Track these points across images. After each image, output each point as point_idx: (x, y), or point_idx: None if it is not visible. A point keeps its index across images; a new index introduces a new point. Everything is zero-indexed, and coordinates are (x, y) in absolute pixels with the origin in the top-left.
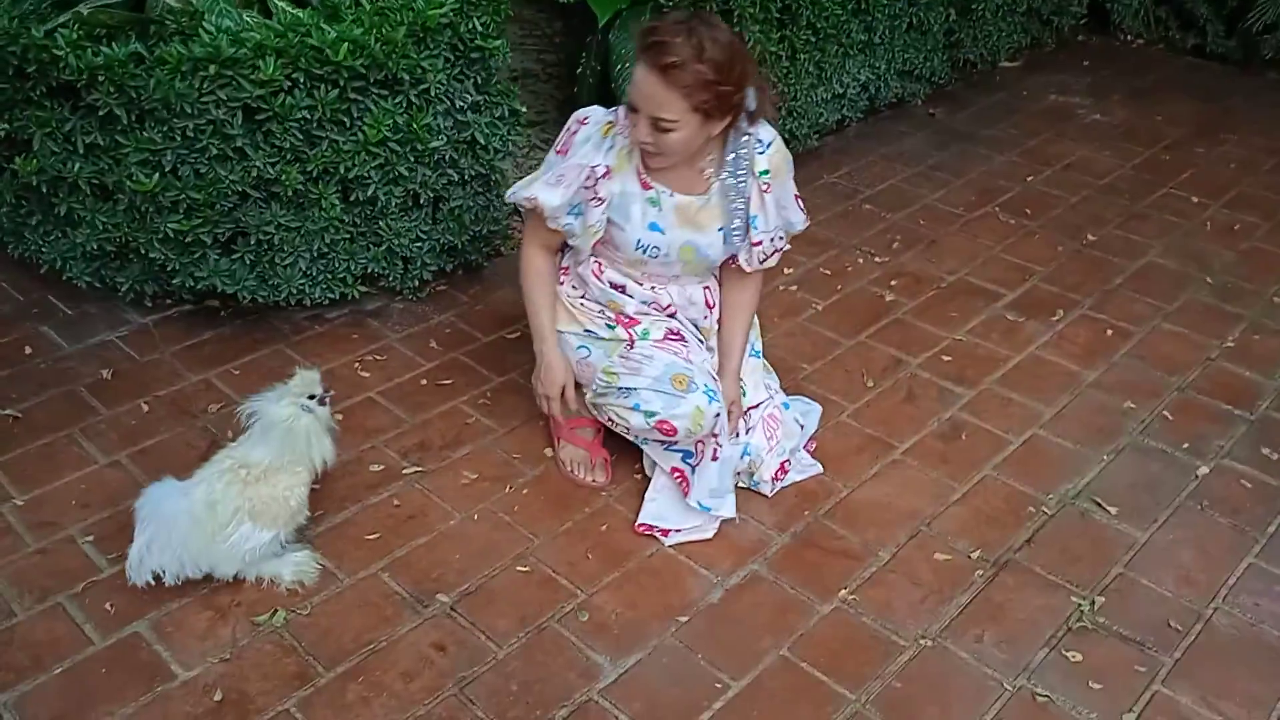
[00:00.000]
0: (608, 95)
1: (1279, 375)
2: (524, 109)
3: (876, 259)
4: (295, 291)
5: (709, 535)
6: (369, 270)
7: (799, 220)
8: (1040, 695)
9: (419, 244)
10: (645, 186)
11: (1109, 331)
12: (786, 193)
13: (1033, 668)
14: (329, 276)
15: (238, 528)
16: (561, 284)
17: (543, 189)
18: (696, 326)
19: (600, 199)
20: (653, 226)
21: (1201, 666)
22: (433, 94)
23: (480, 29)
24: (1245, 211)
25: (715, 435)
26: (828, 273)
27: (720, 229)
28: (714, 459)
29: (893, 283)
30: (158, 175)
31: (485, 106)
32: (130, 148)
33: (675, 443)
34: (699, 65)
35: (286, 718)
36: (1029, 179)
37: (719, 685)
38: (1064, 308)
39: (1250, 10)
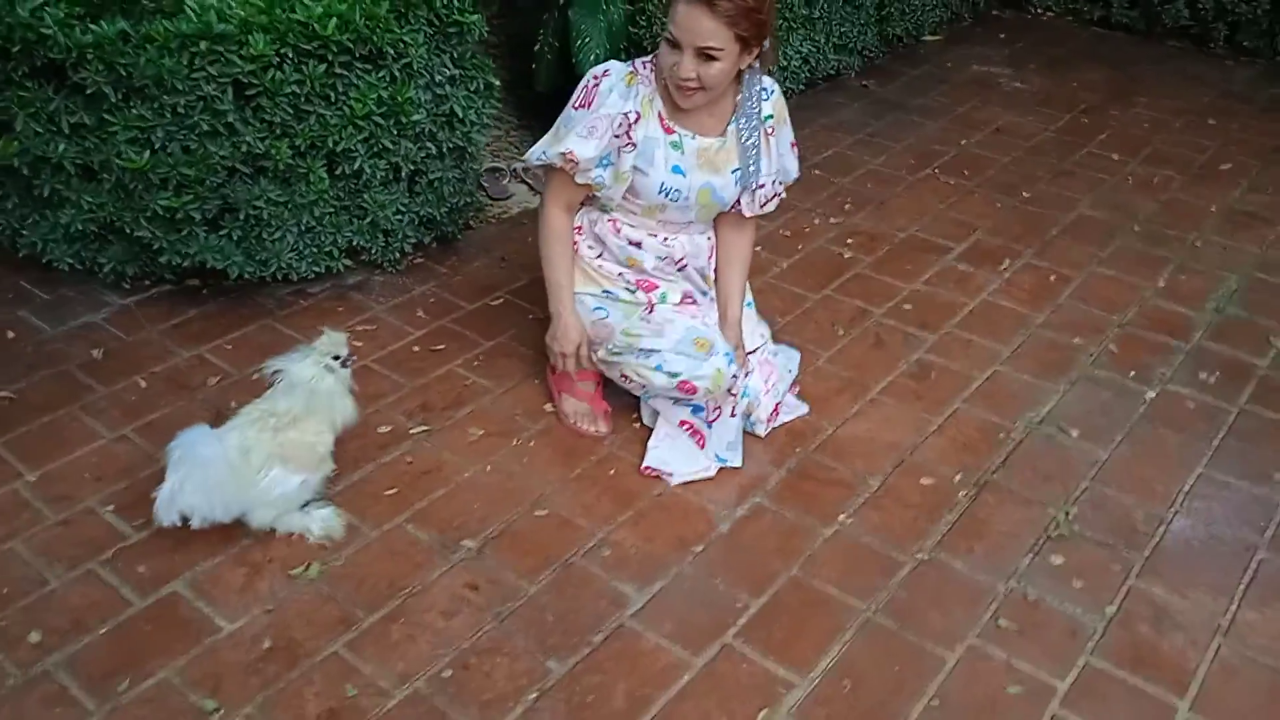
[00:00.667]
0: (567, 70)
1: (1207, 309)
2: (498, 81)
3: (831, 220)
4: (284, 266)
5: (711, 474)
6: (353, 244)
7: (794, 168)
8: (1030, 595)
9: (399, 216)
10: (668, 131)
11: (1052, 277)
12: (785, 140)
13: (1020, 572)
14: (315, 250)
15: (269, 472)
16: (577, 247)
17: (577, 141)
18: (702, 276)
19: (633, 143)
20: (675, 169)
21: (1169, 563)
22: (415, 68)
23: (457, 3)
24: (1161, 166)
25: (732, 394)
26: (788, 234)
27: (735, 170)
28: (732, 415)
29: (849, 241)
30: (148, 153)
31: (461, 80)
32: (119, 126)
33: (690, 399)
34: None
35: (336, 659)
36: (962, 143)
37: (739, 605)
38: (1009, 258)
39: None
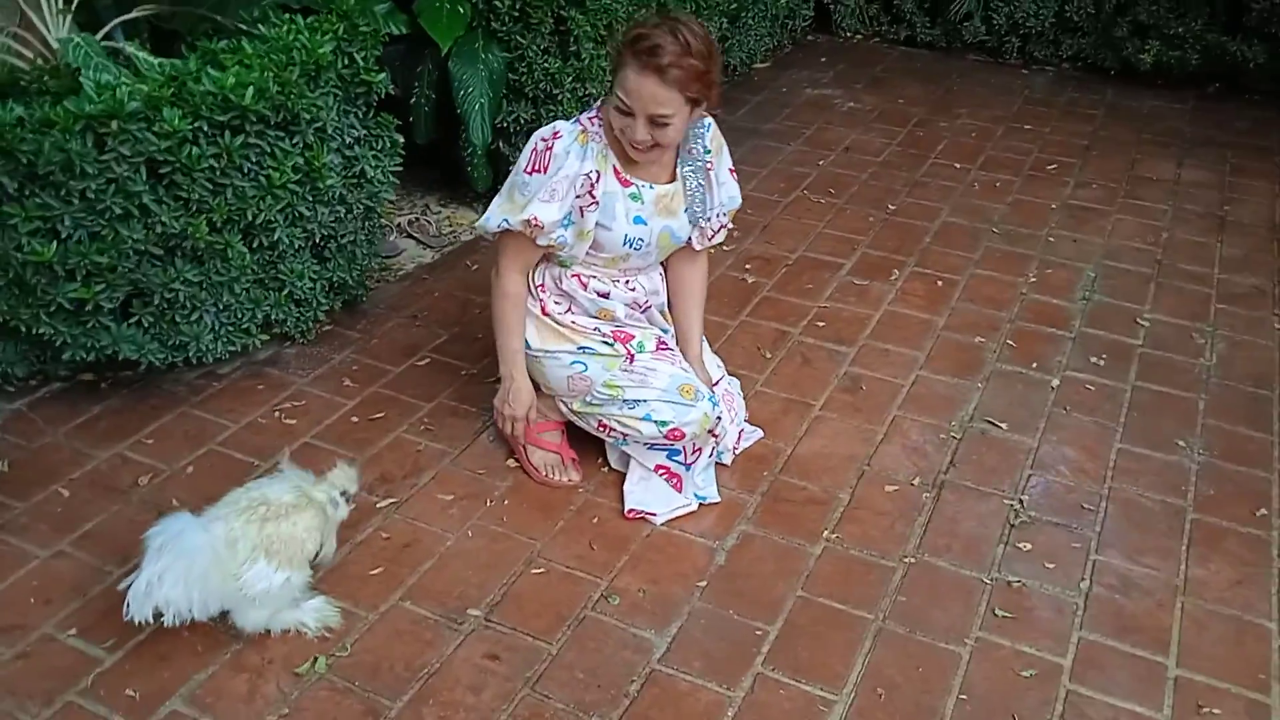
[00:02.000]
0: (443, 122)
1: (1077, 299)
2: (401, 138)
3: (725, 248)
4: (201, 349)
5: (693, 509)
6: (269, 317)
7: (737, 194)
8: (1014, 582)
9: (311, 285)
10: (625, 184)
11: (939, 282)
12: (724, 169)
13: (998, 562)
14: (232, 328)
15: (252, 566)
16: (544, 306)
17: (540, 206)
18: (661, 314)
19: (596, 202)
20: (637, 220)
21: (1118, 534)
22: (328, 131)
23: (362, 63)
24: (998, 171)
25: (714, 434)
26: None
27: (686, 210)
28: (710, 455)
29: (747, 266)
30: (55, 243)
31: (368, 139)
32: (19, 217)
33: (672, 445)
34: (690, 59)
35: None
36: (820, 163)
37: (759, 632)
38: (895, 268)
39: (952, 2)
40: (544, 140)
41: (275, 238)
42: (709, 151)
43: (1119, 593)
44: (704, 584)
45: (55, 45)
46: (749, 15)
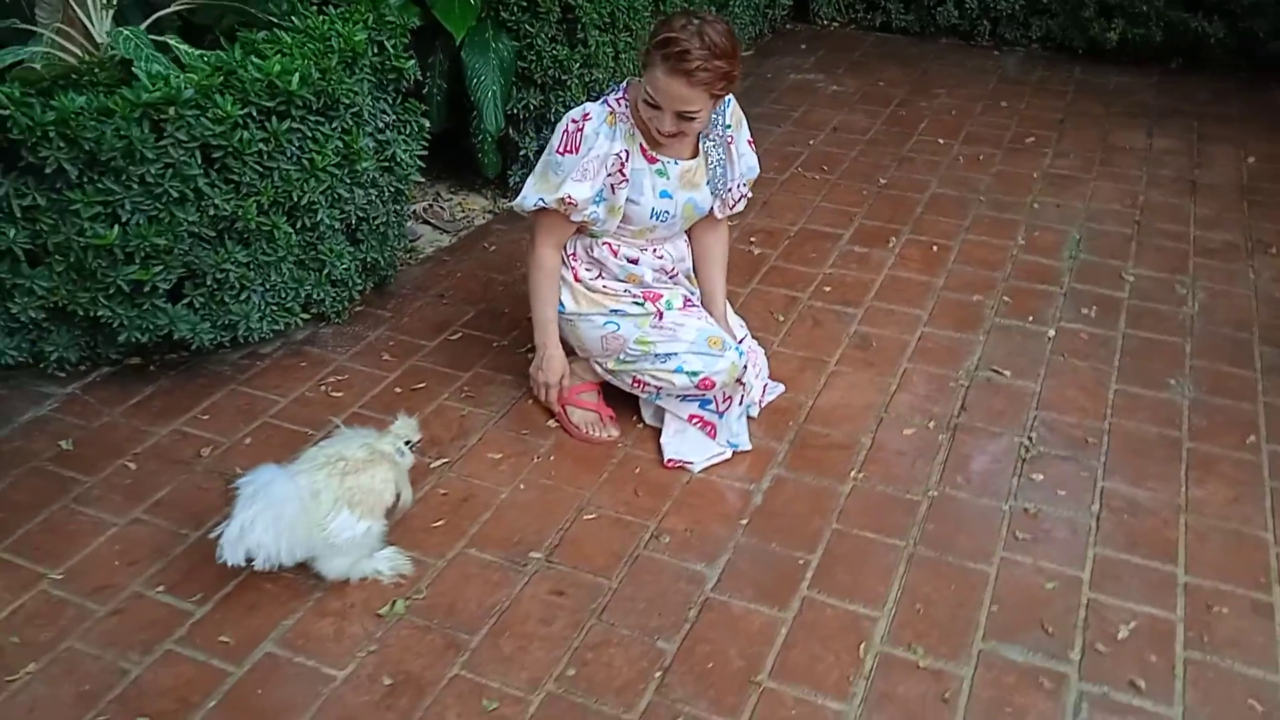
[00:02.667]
0: (455, 109)
1: (1064, 258)
2: (428, 123)
3: (730, 223)
4: (250, 328)
5: (728, 456)
6: (311, 297)
7: (756, 164)
8: (1029, 509)
9: (347, 265)
10: (651, 160)
11: (934, 248)
12: (744, 141)
13: (1014, 492)
14: (276, 308)
15: (337, 516)
16: (576, 273)
17: (573, 185)
18: (688, 278)
19: (626, 179)
20: (663, 194)
21: (1122, 463)
22: (364, 116)
23: (392, 50)
24: (979, 145)
25: (741, 383)
26: None
27: (708, 183)
28: (740, 403)
29: (752, 239)
30: (116, 226)
31: (397, 124)
32: (81, 202)
33: (704, 394)
34: (716, 61)
35: (461, 680)
36: (811, 142)
37: (801, 561)
38: (892, 236)
39: None
40: (574, 122)
41: (318, 219)
42: (729, 126)
43: (1127, 513)
44: (745, 522)
45: (100, 40)
46: (736, 4)
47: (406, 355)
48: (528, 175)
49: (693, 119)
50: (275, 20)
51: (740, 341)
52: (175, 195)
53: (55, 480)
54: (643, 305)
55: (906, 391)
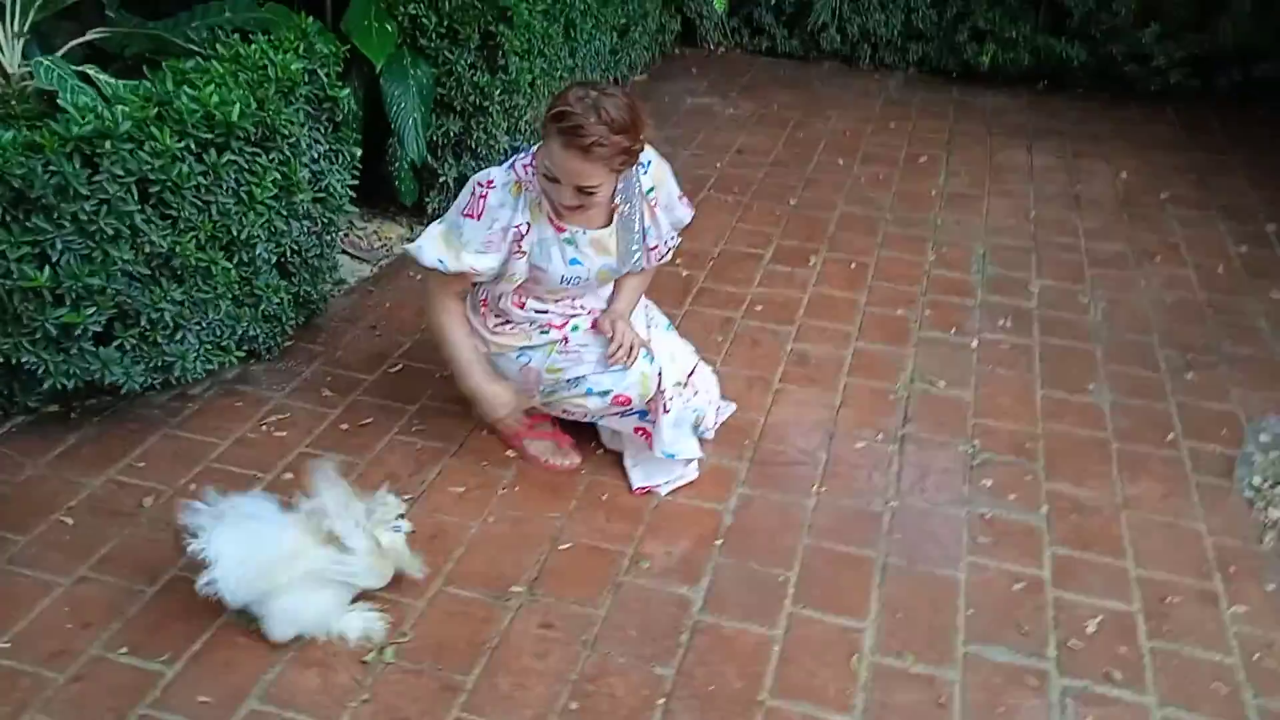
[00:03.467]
0: (374, 137)
1: (973, 273)
2: (359, 151)
3: None
4: (186, 369)
5: (694, 478)
6: (245, 334)
7: (686, 216)
8: (985, 514)
9: (279, 300)
10: (559, 230)
11: (852, 265)
12: (671, 197)
13: (968, 498)
14: (211, 347)
15: (305, 587)
16: (485, 320)
17: (476, 259)
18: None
19: (523, 251)
20: (574, 262)
21: (1060, 466)
22: (302, 146)
23: (325, 79)
24: (877, 165)
25: (662, 392)
26: None
27: (627, 248)
28: (665, 412)
29: (678, 261)
30: (47, 268)
31: (330, 154)
32: (7, 243)
33: (631, 409)
34: (614, 136)
35: None
36: (718, 165)
37: (781, 578)
38: (811, 254)
39: (809, 15)
40: (480, 185)
41: (256, 253)
42: (651, 190)
43: (1074, 512)
44: (720, 542)
45: (11, 71)
46: (636, 30)
47: (347, 390)
48: (446, 204)
49: (593, 193)
50: (195, 49)
51: (693, 371)
52: (110, 233)
53: None
54: (548, 333)
55: (851, 406)
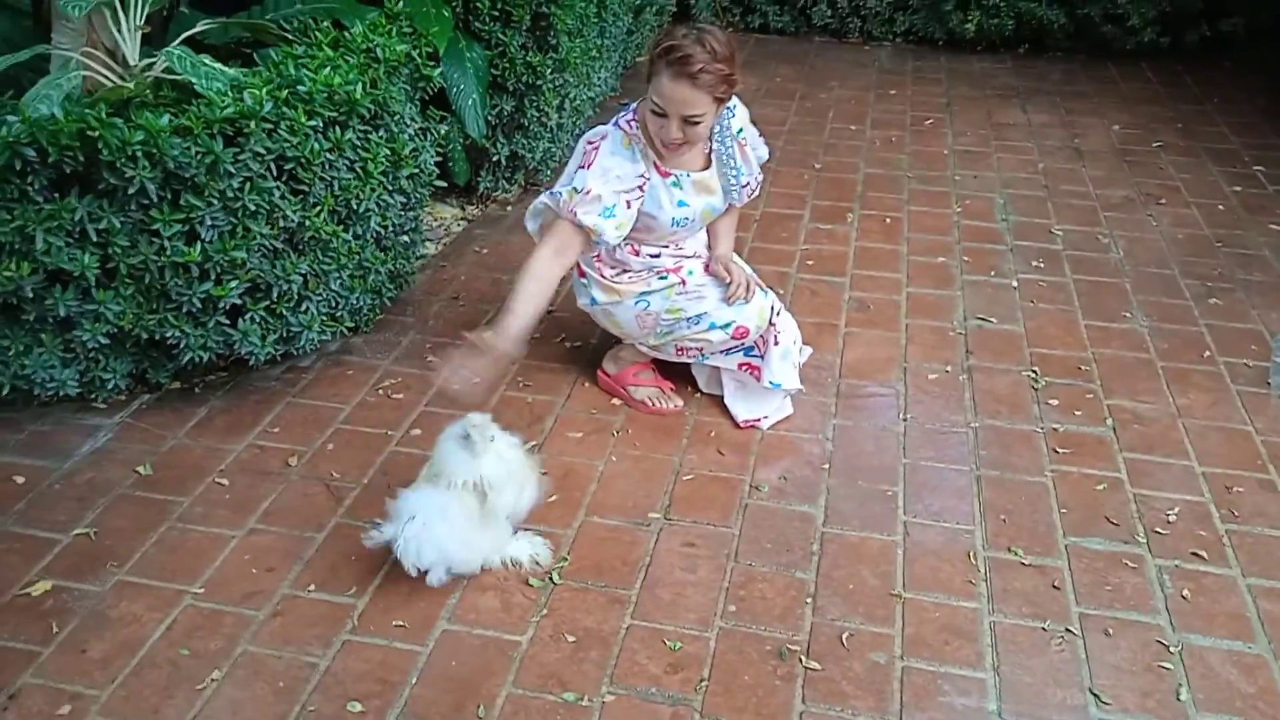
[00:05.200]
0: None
1: (999, 220)
2: (445, 129)
3: None
4: (312, 338)
5: (790, 412)
6: (355, 306)
7: (765, 152)
8: (1057, 428)
9: (381, 273)
10: (665, 175)
11: (887, 220)
12: (755, 137)
13: (1039, 416)
14: (327, 319)
15: (487, 523)
16: (601, 273)
17: (592, 182)
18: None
19: (642, 194)
20: (680, 204)
21: (1115, 384)
22: (407, 122)
23: (420, 59)
24: (888, 129)
25: (774, 325)
26: None
27: (723, 188)
28: (775, 344)
29: None
30: (199, 244)
31: (421, 132)
32: (161, 221)
33: (743, 343)
34: (717, 64)
35: (638, 629)
36: None
37: (889, 493)
38: (846, 213)
39: None
40: (591, 143)
41: (369, 225)
42: (740, 131)
43: (1136, 423)
44: (827, 466)
45: (133, 62)
46: (649, 10)
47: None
48: (497, 183)
49: (698, 123)
50: (290, 37)
51: (779, 313)
52: (251, 208)
53: (149, 504)
54: (666, 278)
55: (916, 343)
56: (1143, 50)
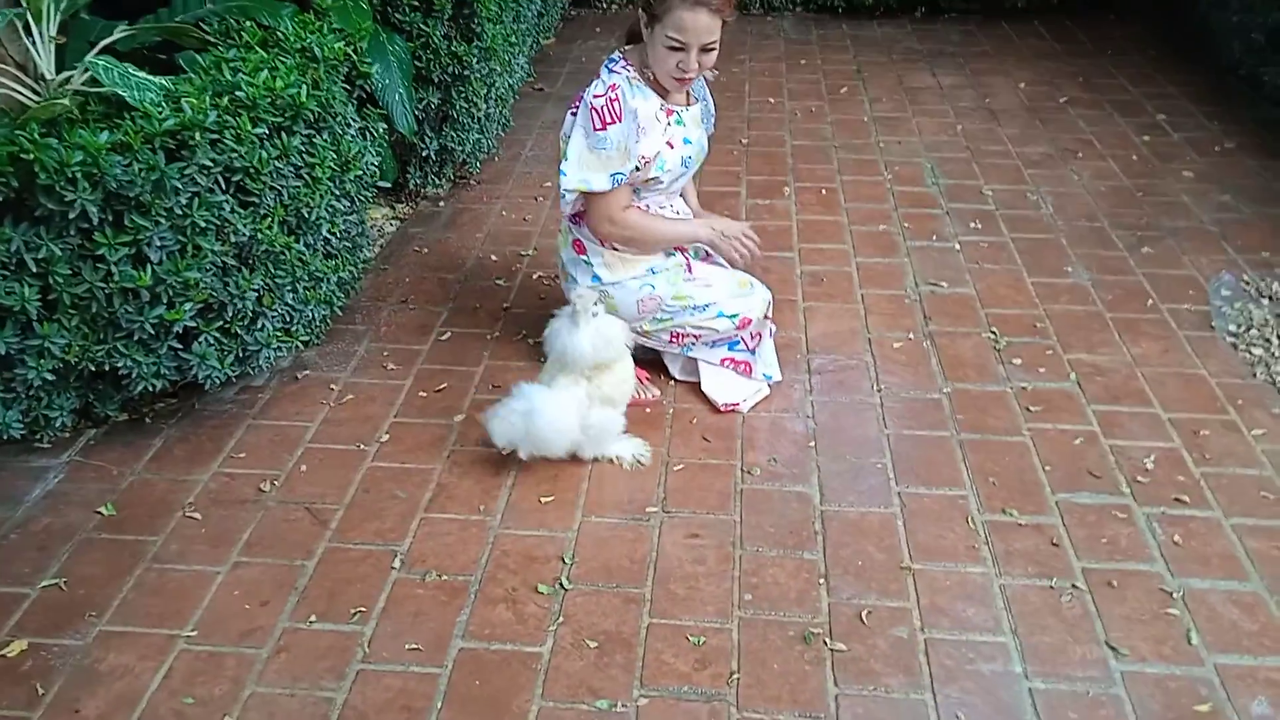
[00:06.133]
0: None
1: (929, 185)
2: (385, 126)
3: None
4: (270, 356)
5: (768, 393)
6: (308, 319)
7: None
8: (1025, 387)
9: (331, 283)
10: (669, 113)
11: (823, 190)
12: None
13: (1006, 377)
14: (282, 334)
15: (599, 413)
16: (608, 246)
17: (643, 145)
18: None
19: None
20: (686, 141)
21: (1072, 337)
22: (349, 123)
23: (356, 58)
24: (806, 100)
25: (768, 318)
26: None
27: (704, 122)
28: (770, 336)
29: None
30: (148, 266)
31: (362, 132)
32: (106, 245)
33: (742, 334)
34: None
35: (658, 627)
36: None
37: (879, 465)
38: (783, 186)
39: None
40: (599, 97)
41: (320, 234)
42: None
43: (1098, 375)
44: (813, 444)
45: (50, 76)
46: None
47: (408, 362)
48: (427, 179)
49: (712, 49)
50: (211, 39)
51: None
52: (201, 225)
53: (118, 546)
54: (673, 254)
55: (875, 313)
56: (1034, 8)
